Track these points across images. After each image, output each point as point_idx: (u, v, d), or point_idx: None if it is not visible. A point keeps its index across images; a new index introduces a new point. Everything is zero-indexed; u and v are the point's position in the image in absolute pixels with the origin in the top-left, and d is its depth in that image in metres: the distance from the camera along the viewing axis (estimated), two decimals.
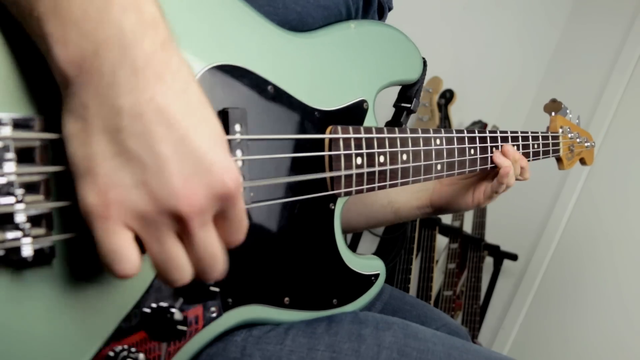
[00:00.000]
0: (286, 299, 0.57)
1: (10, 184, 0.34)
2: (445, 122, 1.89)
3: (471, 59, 2.09)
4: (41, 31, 0.33)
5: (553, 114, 1.01)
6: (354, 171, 0.59)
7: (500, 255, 2.17)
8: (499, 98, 2.28)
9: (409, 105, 0.72)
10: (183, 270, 0.37)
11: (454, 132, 0.74)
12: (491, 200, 0.83)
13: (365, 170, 0.61)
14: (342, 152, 0.58)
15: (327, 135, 0.58)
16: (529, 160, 0.86)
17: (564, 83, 2.31)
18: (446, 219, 2.07)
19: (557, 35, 2.36)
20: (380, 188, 0.63)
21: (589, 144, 1.09)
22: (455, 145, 0.74)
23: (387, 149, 0.63)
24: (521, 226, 2.29)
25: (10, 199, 0.34)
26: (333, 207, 0.60)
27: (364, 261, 0.65)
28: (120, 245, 0.34)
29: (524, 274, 2.26)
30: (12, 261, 0.36)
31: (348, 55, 0.61)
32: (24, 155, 0.36)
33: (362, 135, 0.60)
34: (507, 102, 2.31)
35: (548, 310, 2.16)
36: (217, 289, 0.43)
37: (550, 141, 0.95)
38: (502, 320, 2.30)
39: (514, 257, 2.15)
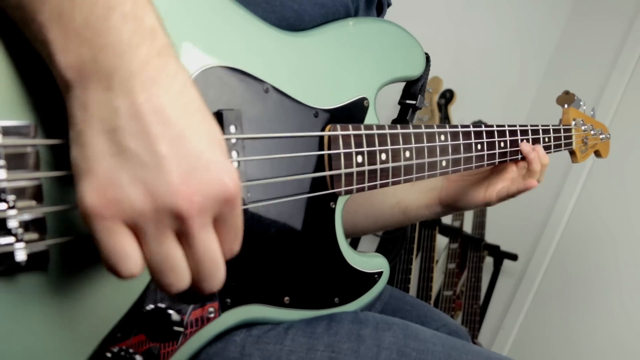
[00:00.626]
0: (286, 298, 0.56)
1: (1, 190, 0.35)
2: (445, 122, 1.89)
3: (471, 58, 2.09)
4: (43, 37, 0.34)
5: (566, 106, 0.97)
6: (354, 169, 0.59)
7: (500, 255, 2.17)
8: (499, 98, 2.28)
9: (414, 102, 0.71)
10: (180, 274, 0.36)
11: (459, 127, 0.73)
12: (501, 201, 0.82)
13: (366, 168, 0.60)
14: (341, 150, 0.58)
15: (325, 133, 0.57)
16: None
17: (564, 83, 2.30)
18: (446, 219, 2.07)
19: (557, 35, 2.36)
20: (382, 186, 0.63)
21: (603, 135, 1.05)
22: (461, 141, 0.72)
23: (389, 147, 0.62)
24: (521, 226, 2.29)
25: (2, 205, 0.35)
26: (334, 205, 0.60)
27: (367, 259, 0.65)
28: (122, 245, 0.34)
29: (524, 274, 2.26)
30: (6, 266, 0.36)
31: (346, 53, 0.61)
32: (16, 162, 0.36)
33: (362, 132, 0.60)
34: (507, 102, 2.31)
35: (548, 310, 2.16)
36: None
37: (562, 134, 0.92)
38: (502, 320, 2.30)
39: (514, 257, 2.15)
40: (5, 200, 0.35)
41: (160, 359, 0.47)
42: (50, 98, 0.38)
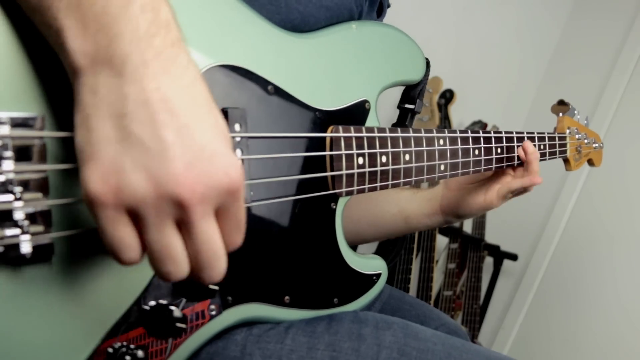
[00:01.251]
0: (286, 297, 0.57)
1: (9, 182, 0.35)
2: (445, 122, 1.89)
3: (471, 59, 2.09)
4: (58, 24, 0.34)
5: (560, 114, 0.99)
6: (355, 171, 0.59)
7: (500, 255, 2.17)
8: (499, 98, 2.28)
9: (412, 107, 0.72)
10: (178, 262, 0.36)
11: (458, 132, 0.74)
12: (504, 200, 0.82)
13: (367, 170, 0.61)
14: (343, 151, 0.58)
15: (328, 134, 0.58)
16: None
17: (564, 83, 2.31)
18: None
19: (557, 35, 2.36)
20: (382, 187, 0.63)
21: (597, 145, 1.07)
22: (459, 146, 0.73)
23: (390, 149, 0.63)
24: (521, 226, 2.29)
25: (8, 197, 0.35)
26: (334, 206, 0.60)
27: (366, 261, 0.65)
28: (123, 234, 0.35)
29: (524, 274, 2.26)
30: (11, 258, 0.36)
31: (349, 56, 0.61)
32: (23, 154, 0.36)
33: (364, 134, 0.60)
34: (507, 102, 2.31)
35: (548, 310, 2.16)
36: (216, 287, 0.44)
37: (557, 142, 0.94)
38: (502, 320, 2.30)
39: (514, 257, 2.15)
40: (12, 192, 0.35)
41: (161, 355, 0.47)
42: (57, 90, 0.38)
